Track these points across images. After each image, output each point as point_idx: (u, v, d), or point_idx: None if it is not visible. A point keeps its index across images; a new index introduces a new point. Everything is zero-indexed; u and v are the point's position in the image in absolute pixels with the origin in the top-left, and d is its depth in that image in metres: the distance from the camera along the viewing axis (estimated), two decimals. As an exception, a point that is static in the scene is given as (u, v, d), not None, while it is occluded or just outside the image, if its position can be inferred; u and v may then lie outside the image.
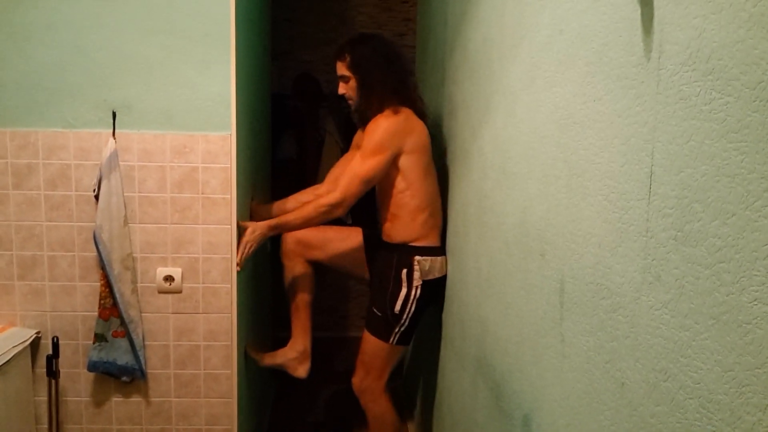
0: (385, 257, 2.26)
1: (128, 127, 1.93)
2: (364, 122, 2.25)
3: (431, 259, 2.20)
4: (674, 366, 0.79)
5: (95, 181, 1.94)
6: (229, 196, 1.97)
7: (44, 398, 2.01)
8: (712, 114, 0.72)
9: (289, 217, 2.15)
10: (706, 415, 0.73)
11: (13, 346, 1.88)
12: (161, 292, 2.00)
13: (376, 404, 2.29)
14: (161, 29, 1.90)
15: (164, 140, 1.94)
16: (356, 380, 2.31)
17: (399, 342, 2.22)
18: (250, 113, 2.28)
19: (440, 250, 2.25)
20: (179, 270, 1.99)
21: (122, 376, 2.02)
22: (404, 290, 2.18)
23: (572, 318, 1.12)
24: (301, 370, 2.41)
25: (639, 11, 0.88)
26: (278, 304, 3.40)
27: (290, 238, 2.38)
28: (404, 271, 2.18)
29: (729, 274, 0.69)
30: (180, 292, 2.00)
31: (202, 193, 1.96)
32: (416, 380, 2.97)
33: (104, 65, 1.90)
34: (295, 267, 2.39)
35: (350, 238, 2.43)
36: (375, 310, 2.24)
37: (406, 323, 2.20)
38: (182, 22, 1.90)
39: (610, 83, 0.98)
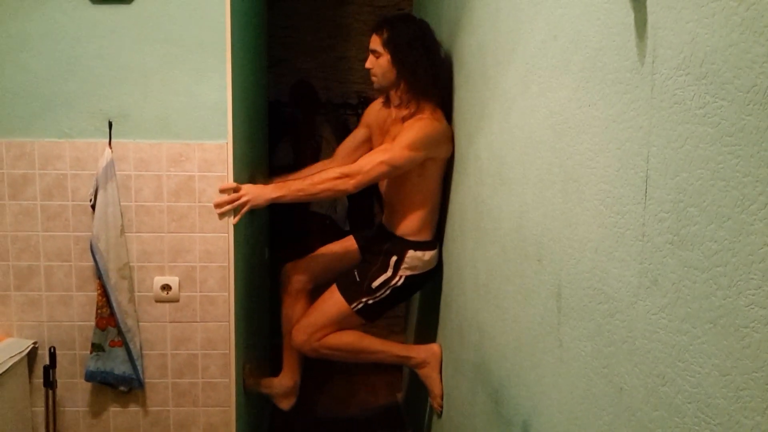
0: (381, 240, 2.29)
1: (124, 137, 1.93)
2: (387, 101, 2.24)
3: (423, 254, 2.22)
4: (672, 370, 0.79)
5: (91, 190, 1.93)
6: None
7: (41, 409, 2.00)
8: (707, 118, 0.72)
9: (298, 183, 2.09)
10: (704, 420, 0.73)
11: (10, 357, 1.87)
12: (158, 301, 1.99)
13: (323, 345, 2.23)
14: (157, 38, 1.90)
15: (160, 149, 1.94)
16: (298, 338, 2.25)
17: (359, 311, 2.21)
18: (247, 121, 2.28)
19: (433, 244, 2.26)
20: (176, 279, 1.98)
21: (120, 386, 2.01)
22: (388, 274, 2.20)
23: (570, 323, 1.12)
24: (285, 404, 2.43)
25: (632, 16, 0.89)
26: (277, 311, 3.39)
27: (296, 278, 2.36)
28: (394, 258, 2.21)
29: (725, 278, 0.69)
30: (177, 300, 2.00)
31: (199, 202, 1.96)
32: (416, 387, 2.96)
33: (100, 75, 1.90)
34: (295, 305, 2.38)
35: (349, 251, 2.43)
36: (356, 273, 2.25)
37: (375, 301, 2.20)
38: (178, 31, 1.90)
39: (604, 88, 0.98)
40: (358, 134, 2.46)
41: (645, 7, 0.86)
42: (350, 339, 2.24)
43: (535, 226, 1.31)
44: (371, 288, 2.20)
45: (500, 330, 1.56)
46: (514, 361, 1.45)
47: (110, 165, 1.91)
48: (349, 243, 2.47)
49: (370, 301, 2.21)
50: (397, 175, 2.14)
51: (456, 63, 2.15)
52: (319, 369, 3.69)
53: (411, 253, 2.20)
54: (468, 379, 1.89)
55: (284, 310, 2.41)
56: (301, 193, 2.08)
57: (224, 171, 1.95)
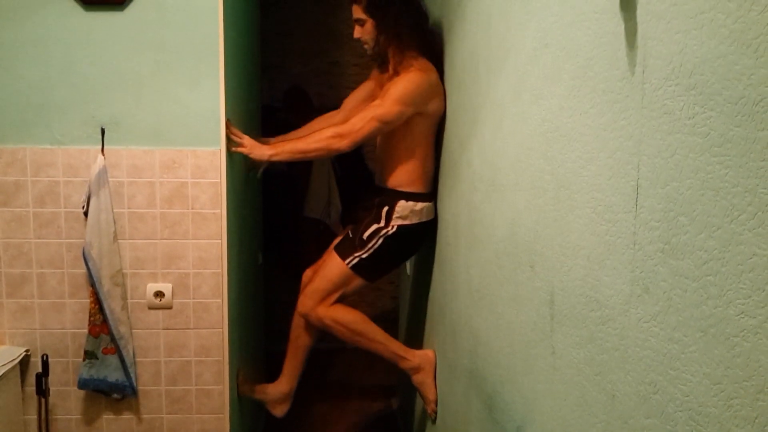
0: (373, 195, 2.30)
1: (117, 143, 1.93)
2: (383, 64, 2.26)
3: (414, 204, 2.22)
4: (664, 378, 0.80)
5: (84, 197, 1.93)
6: (219, 211, 1.96)
7: (34, 417, 1.99)
8: (696, 128, 0.72)
9: (292, 142, 2.15)
10: (695, 428, 0.73)
11: (2, 365, 1.86)
12: (151, 308, 1.99)
13: (328, 316, 2.22)
14: (150, 45, 1.90)
15: (153, 156, 1.94)
16: (305, 304, 2.24)
17: (354, 268, 2.20)
18: (240, 128, 2.28)
19: (427, 197, 2.26)
20: (169, 285, 1.98)
21: (113, 393, 2.00)
22: (381, 224, 2.20)
23: (562, 330, 1.12)
24: (279, 410, 2.41)
25: (623, 26, 0.89)
26: (270, 317, 3.38)
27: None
28: (385, 208, 2.22)
29: (716, 287, 0.69)
30: (170, 307, 1.99)
31: (192, 208, 1.96)
32: (411, 393, 2.96)
33: (93, 81, 1.90)
34: (309, 328, 2.33)
35: (332, 262, 2.33)
36: (349, 231, 2.27)
37: (369, 253, 2.20)
38: (172, 38, 1.90)
39: (595, 97, 0.98)
40: (364, 87, 2.47)
41: (635, 18, 0.86)
42: (356, 318, 2.23)
43: (527, 232, 1.31)
44: (362, 240, 2.20)
45: (494, 336, 1.56)
46: (507, 367, 1.45)
47: (103, 172, 1.91)
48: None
49: (364, 255, 2.20)
50: (390, 130, 2.18)
51: (448, 69, 2.16)
52: (314, 374, 3.69)
53: (402, 203, 2.21)
54: (462, 385, 1.89)
55: (296, 320, 2.36)
56: (295, 152, 2.13)
57: (217, 177, 1.95)
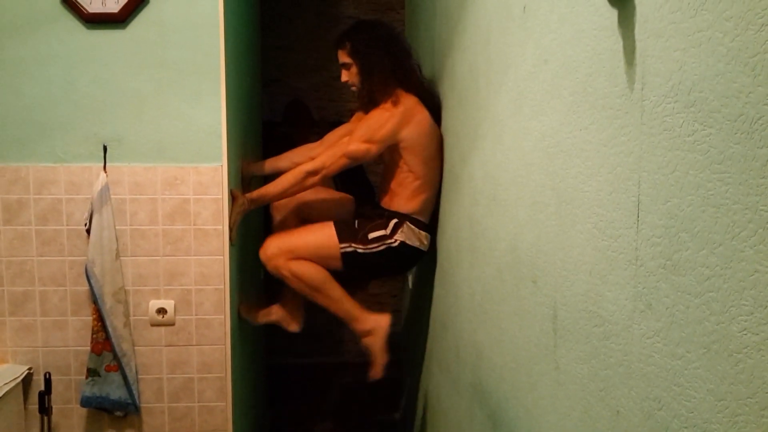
0: (380, 212, 2.31)
1: (119, 161, 1.94)
2: (370, 104, 2.29)
3: (418, 231, 2.25)
4: (668, 394, 0.80)
5: (86, 215, 1.93)
6: (221, 227, 1.97)
7: (36, 435, 1.98)
8: (696, 145, 0.73)
9: (270, 188, 2.22)
10: (700, 445, 0.73)
11: (5, 383, 1.86)
12: (154, 324, 1.99)
13: (288, 267, 2.19)
14: (152, 63, 1.91)
15: (155, 173, 1.94)
16: (268, 250, 2.22)
17: (344, 255, 2.19)
18: (242, 144, 2.29)
19: (428, 228, 2.30)
20: (172, 302, 1.98)
21: (116, 411, 1.99)
22: (387, 232, 2.22)
23: (566, 345, 1.12)
24: (294, 326, 2.41)
25: (621, 43, 0.90)
26: (272, 332, 3.37)
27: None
28: (394, 221, 2.24)
29: (718, 304, 0.70)
30: (173, 324, 1.99)
31: (194, 225, 1.96)
32: (413, 407, 2.95)
33: (95, 99, 1.91)
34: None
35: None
36: (356, 221, 2.28)
37: (366, 252, 2.20)
38: (173, 55, 1.91)
39: (595, 113, 0.99)
40: (348, 127, 2.50)
41: (633, 35, 0.87)
42: (317, 274, 2.21)
43: (529, 247, 1.31)
44: (367, 238, 2.22)
45: (497, 351, 1.56)
46: (511, 382, 1.45)
47: (105, 189, 1.91)
48: (345, 195, 2.52)
49: (360, 250, 2.20)
50: (376, 161, 2.27)
51: (448, 83, 2.17)
52: (315, 388, 3.68)
53: (409, 224, 2.24)
54: (465, 400, 1.89)
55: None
56: (275, 196, 2.23)
57: (219, 194, 1.96)
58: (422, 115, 2.21)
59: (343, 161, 2.19)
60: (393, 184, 2.29)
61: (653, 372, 0.83)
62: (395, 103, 2.19)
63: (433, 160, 2.25)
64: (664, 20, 0.79)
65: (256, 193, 2.20)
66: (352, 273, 2.28)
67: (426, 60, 2.66)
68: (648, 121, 0.83)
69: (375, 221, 2.26)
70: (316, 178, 2.19)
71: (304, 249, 2.21)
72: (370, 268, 2.28)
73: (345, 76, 2.31)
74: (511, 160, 1.43)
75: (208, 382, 2.02)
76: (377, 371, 2.28)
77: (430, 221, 2.31)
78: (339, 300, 2.26)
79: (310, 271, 2.20)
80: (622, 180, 0.90)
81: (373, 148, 2.19)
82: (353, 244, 2.21)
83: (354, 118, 2.49)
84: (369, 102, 2.27)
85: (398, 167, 2.25)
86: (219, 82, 1.93)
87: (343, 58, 2.29)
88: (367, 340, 2.30)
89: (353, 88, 2.33)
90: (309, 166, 2.19)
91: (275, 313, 2.39)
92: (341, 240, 2.21)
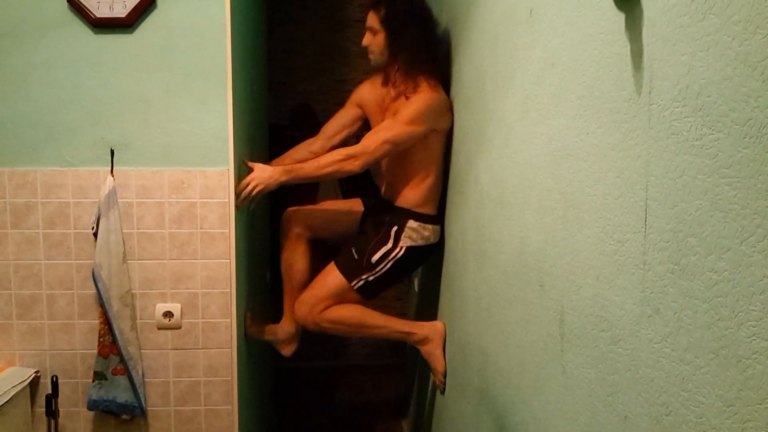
0: (381, 212, 2.28)
1: (126, 164, 1.94)
2: (385, 79, 2.24)
3: (423, 226, 2.21)
4: (676, 400, 0.79)
5: (94, 218, 1.94)
6: (227, 231, 1.97)
7: (43, 438, 1.99)
8: (704, 149, 0.72)
9: (305, 166, 2.12)
10: (709, 451, 0.72)
11: (12, 387, 1.86)
12: (160, 328, 1.99)
13: (324, 319, 2.20)
14: (159, 66, 1.92)
15: (162, 176, 1.95)
16: (300, 311, 2.22)
17: (359, 290, 2.19)
18: (248, 147, 2.30)
19: (435, 219, 2.26)
20: (178, 306, 1.98)
21: (122, 414, 2.00)
22: (389, 245, 2.19)
23: (573, 350, 1.12)
24: (287, 350, 2.39)
25: (629, 47, 0.90)
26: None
27: (295, 226, 2.33)
28: (395, 228, 2.20)
29: (726, 309, 0.69)
30: (179, 327, 2.00)
31: (201, 228, 1.97)
32: (421, 412, 2.95)
33: (102, 103, 1.92)
34: (295, 250, 2.34)
35: (352, 211, 2.40)
36: (353, 250, 2.23)
37: (376, 276, 2.19)
38: (180, 59, 1.92)
39: (602, 117, 0.99)
40: (346, 114, 2.42)
41: (641, 39, 0.87)
42: (352, 313, 2.21)
43: (536, 251, 1.31)
44: (371, 263, 2.19)
45: (504, 355, 1.56)
46: (518, 386, 1.44)
47: (112, 193, 1.92)
48: (354, 203, 2.46)
49: (371, 278, 2.19)
50: (401, 150, 2.16)
51: (454, 86, 2.17)
52: (321, 393, 3.67)
53: (411, 222, 2.20)
54: (472, 405, 1.88)
55: (284, 254, 2.37)
56: (308, 176, 2.13)
57: (226, 197, 1.96)
58: (451, 110, 2.18)
59: (386, 147, 2.10)
60: (402, 175, 2.24)
61: (661, 377, 0.83)
62: (437, 89, 2.14)
63: (443, 153, 2.23)
64: (672, 24, 0.79)
65: (290, 167, 2.12)
66: (376, 296, 2.27)
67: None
68: (655, 125, 0.83)
69: (374, 237, 2.22)
70: (356, 163, 2.09)
71: (327, 297, 2.20)
72: (388, 283, 2.25)
73: (368, 40, 2.23)
74: (518, 163, 1.43)
75: (214, 386, 2.02)
76: (440, 379, 2.26)
77: (439, 211, 2.27)
78: (384, 326, 2.25)
79: (344, 314, 2.21)
80: (630, 184, 0.90)
81: (419, 131, 2.10)
82: (362, 277, 2.19)
83: (351, 102, 2.43)
84: (388, 75, 2.21)
85: (413, 157, 2.19)
86: (226, 85, 1.93)
87: (373, 21, 2.21)
88: (425, 349, 2.28)
89: (370, 56, 2.25)
90: (348, 150, 2.10)
91: (270, 334, 2.38)
92: (349, 279, 2.19)
